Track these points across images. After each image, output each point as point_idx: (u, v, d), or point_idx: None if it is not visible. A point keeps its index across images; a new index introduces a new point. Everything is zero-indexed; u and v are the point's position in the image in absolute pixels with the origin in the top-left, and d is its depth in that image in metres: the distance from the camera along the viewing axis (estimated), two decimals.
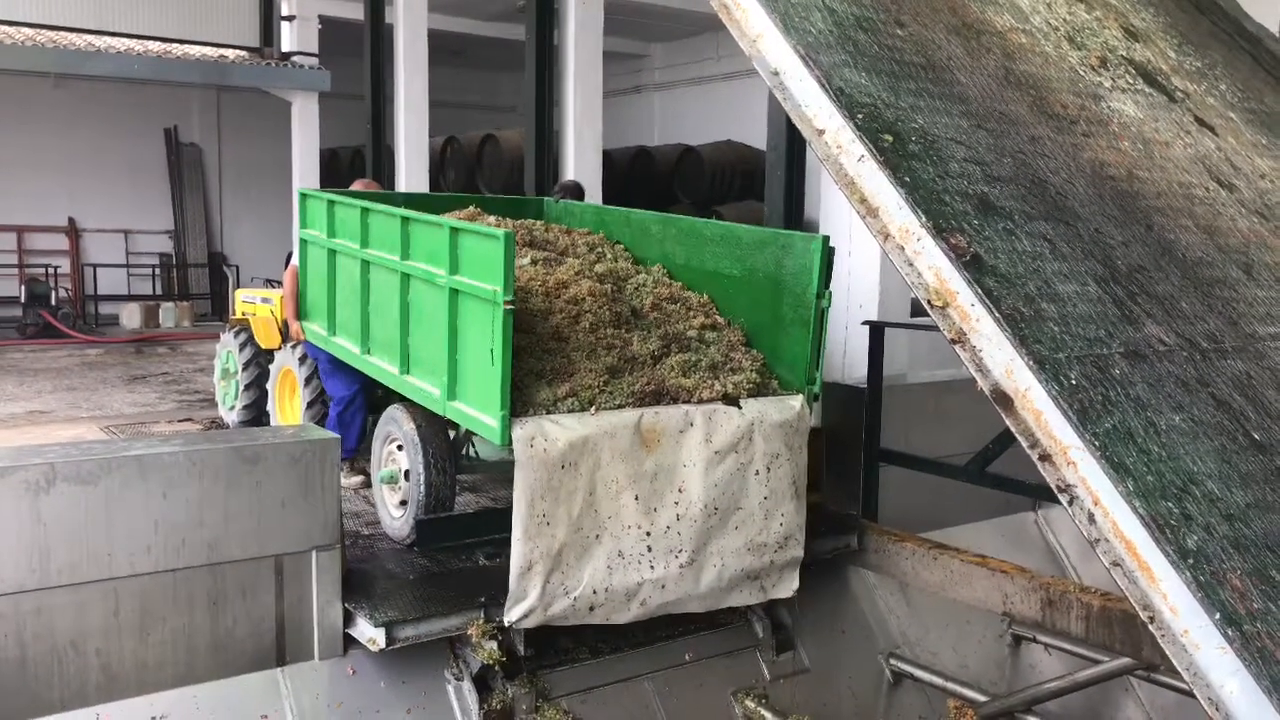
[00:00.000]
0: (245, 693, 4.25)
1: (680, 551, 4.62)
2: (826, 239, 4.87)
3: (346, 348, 5.91)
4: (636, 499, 4.51)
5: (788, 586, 4.98)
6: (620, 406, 4.56)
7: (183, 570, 4.15)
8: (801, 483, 4.94)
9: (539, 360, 4.66)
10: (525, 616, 4.40)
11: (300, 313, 6.62)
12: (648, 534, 4.55)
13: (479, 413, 4.49)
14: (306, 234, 6.43)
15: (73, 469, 3.92)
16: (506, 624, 4.45)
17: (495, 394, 4.29)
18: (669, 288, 5.50)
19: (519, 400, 4.40)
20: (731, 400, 4.78)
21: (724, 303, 5.43)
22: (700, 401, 4.72)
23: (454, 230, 4.65)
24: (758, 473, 4.76)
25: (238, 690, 4.25)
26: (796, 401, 4.93)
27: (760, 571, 4.87)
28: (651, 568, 4.56)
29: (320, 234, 6.18)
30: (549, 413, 4.44)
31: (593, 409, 4.49)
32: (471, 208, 6.47)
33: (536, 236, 6.00)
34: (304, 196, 6.48)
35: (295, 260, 6.80)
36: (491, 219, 6.13)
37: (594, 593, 4.46)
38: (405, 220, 5.08)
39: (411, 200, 6.96)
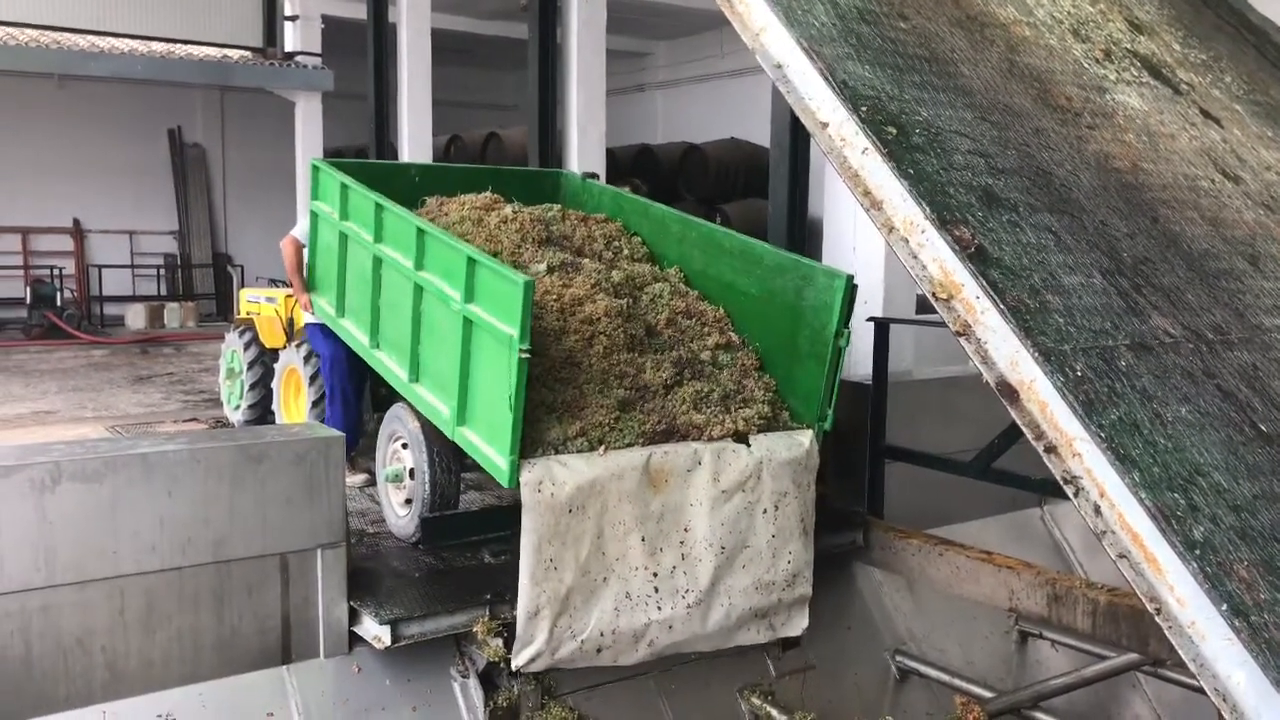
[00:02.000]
0: (251, 691, 4.26)
1: (687, 591, 4.58)
2: (850, 278, 4.77)
3: (354, 334, 5.77)
4: (643, 540, 4.48)
5: (797, 625, 4.94)
6: (630, 445, 4.51)
7: (188, 568, 4.15)
8: (809, 521, 4.89)
9: (551, 391, 4.57)
10: (533, 661, 4.39)
11: (309, 284, 6.38)
12: (654, 575, 4.51)
13: (488, 447, 4.42)
14: (318, 207, 6.18)
15: (78, 467, 3.93)
16: (514, 668, 4.42)
17: (506, 436, 4.22)
18: (685, 299, 5.39)
19: (528, 438, 4.32)
20: (741, 437, 4.73)
21: (740, 319, 5.33)
22: (710, 439, 4.68)
23: (472, 261, 4.51)
24: (765, 511, 4.72)
25: (244, 688, 4.25)
26: (805, 438, 4.86)
27: (769, 610, 4.83)
28: (659, 608, 4.52)
29: (332, 212, 5.95)
30: (558, 452, 4.39)
31: (601, 449, 4.45)
32: (489, 194, 6.16)
33: (554, 231, 5.81)
34: (316, 168, 6.23)
35: (296, 229, 6.55)
36: (509, 209, 5.89)
37: (601, 635, 4.43)
38: (421, 231, 4.92)
39: (426, 172, 6.74)
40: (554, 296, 4.99)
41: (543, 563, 4.28)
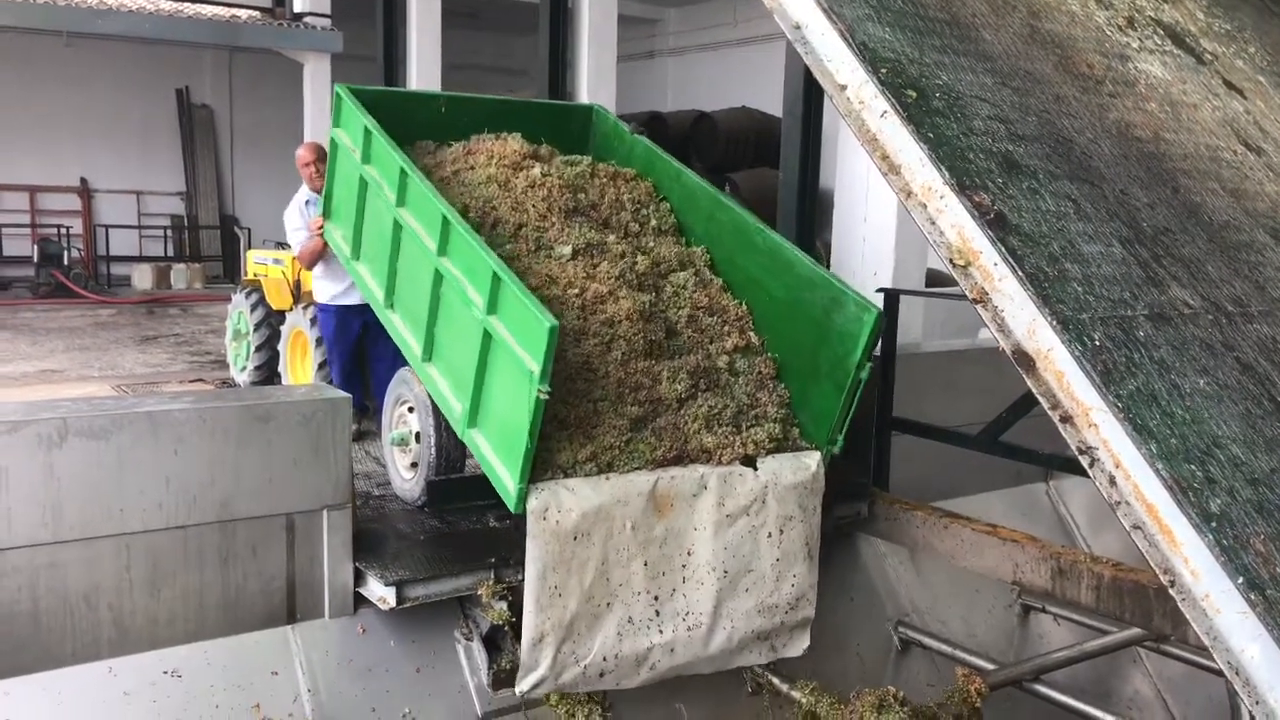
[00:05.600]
0: (256, 649, 4.27)
1: (689, 614, 4.56)
2: (880, 313, 4.66)
3: (369, 284, 5.51)
4: (646, 565, 4.45)
5: (798, 646, 4.91)
6: (638, 469, 4.46)
7: (194, 527, 4.15)
8: (814, 544, 4.83)
9: (565, 405, 4.45)
10: (537, 686, 4.38)
11: (325, 210, 6.07)
12: (656, 599, 4.48)
13: (498, 464, 4.33)
14: (338, 135, 5.79)
15: (85, 424, 3.91)
16: (517, 694, 4.41)
17: (518, 463, 4.14)
18: (708, 290, 5.24)
19: (538, 458, 4.23)
20: (749, 460, 4.68)
21: (762, 318, 5.19)
22: (719, 463, 4.62)
23: (497, 278, 4.28)
24: (770, 535, 4.67)
25: (248, 646, 4.26)
26: (813, 461, 4.79)
27: (771, 632, 4.79)
28: (660, 632, 4.50)
29: (354, 150, 5.58)
30: (566, 475, 4.33)
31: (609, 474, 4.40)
32: (518, 145, 5.73)
33: (580, 200, 5.50)
34: (339, 96, 5.78)
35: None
36: (538, 170, 5.53)
37: (604, 660, 4.41)
38: (446, 222, 4.64)
39: (454, 103, 6.23)
40: (576, 291, 4.84)
41: (547, 590, 4.25)
